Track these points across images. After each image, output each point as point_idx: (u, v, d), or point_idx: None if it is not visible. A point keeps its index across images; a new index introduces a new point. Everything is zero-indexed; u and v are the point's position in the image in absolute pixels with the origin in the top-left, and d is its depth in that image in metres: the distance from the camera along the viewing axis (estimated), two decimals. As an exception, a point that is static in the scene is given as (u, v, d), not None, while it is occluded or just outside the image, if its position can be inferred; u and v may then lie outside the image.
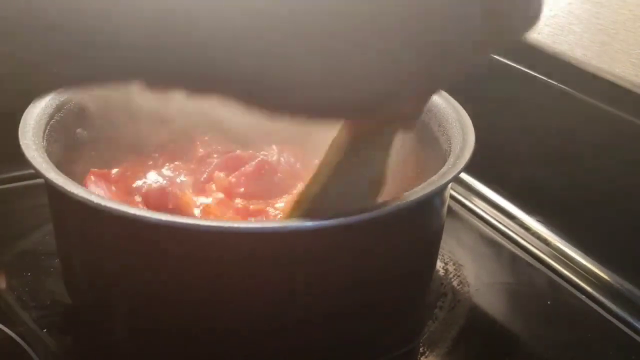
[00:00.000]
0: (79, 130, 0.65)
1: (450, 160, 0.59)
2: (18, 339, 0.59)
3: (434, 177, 0.56)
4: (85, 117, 0.66)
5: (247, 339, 0.56)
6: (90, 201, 0.51)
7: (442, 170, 0.57)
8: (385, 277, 0.57)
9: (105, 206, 0.51)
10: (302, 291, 0.55)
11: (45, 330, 0.62)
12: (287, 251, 0.53)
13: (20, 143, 0.57)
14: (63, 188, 0.52)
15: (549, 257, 0.75)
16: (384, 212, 0.53)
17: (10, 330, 0.60)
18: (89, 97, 0.66)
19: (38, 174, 0.54)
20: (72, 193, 0.52)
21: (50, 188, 0.57)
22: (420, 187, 0.55)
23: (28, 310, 0.64)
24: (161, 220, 0.50)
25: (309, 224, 0.52)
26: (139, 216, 0.51)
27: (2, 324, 0.60)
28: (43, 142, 0.59)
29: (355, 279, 0.56)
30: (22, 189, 0.78)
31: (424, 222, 0.60)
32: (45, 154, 0.56)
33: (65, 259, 0.62)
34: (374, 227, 0.54)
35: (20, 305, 0.64)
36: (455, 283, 0.70)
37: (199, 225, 0.51)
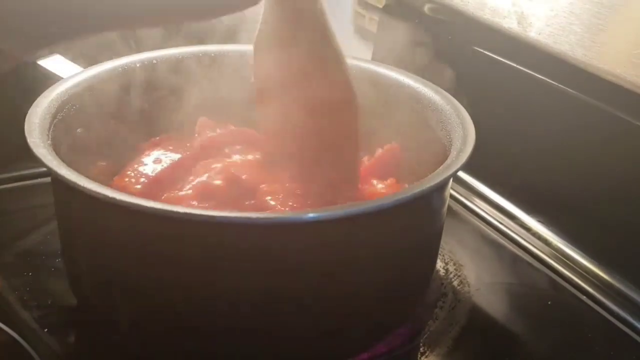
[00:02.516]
0: (79, 129, 0.65)
1: (451, 156, 0.59)
2: (19, 339, 0.59)
3: (435, 173, 0.56)
4: (86, 115, 0.66)
5: (248, 338, 0.56)
6: (105, 196, 0.51)
7: (443, 165, 0.57)
8: (386, 275, 0.57)
9: (119, 200, 0.51)
10: (301, 289, 0.55)
11: (46, 330, 0.62)
12: (283, 246, 0.53)
13: (28, 141, 0.56)
14: (76, 184, 0.52)
15: (549, 257, 0.75)
16: (384, 206, 0.53)
17: (12, 330, 0.60)
18: (90, 96, 0.66)
19: (49, 171, 0.54)
20: (86, 188, 0.52)
21: (59, 185, 0.57)
22: (421, 182, 0.55)
23: (29, 310, 0.64)
24: (177, 212, 0.50)
25: (306, 216, 0.52)
26: (158, 210, 0.50)
27: (3, 323, 0.60)
28: (48, 140, 0.59)
29: (355, 276, 0.56)
30: (23, 188, 0.78)
31: (424, 219, 0.60)
32: (53, 151, 0.56)
33: (71, 258, 0.62)
34: (374, 221, 0.54)
35: (22, 305, 0.64)
36: (455, 283, 0.70)
37: (202, 217, 0.50)
